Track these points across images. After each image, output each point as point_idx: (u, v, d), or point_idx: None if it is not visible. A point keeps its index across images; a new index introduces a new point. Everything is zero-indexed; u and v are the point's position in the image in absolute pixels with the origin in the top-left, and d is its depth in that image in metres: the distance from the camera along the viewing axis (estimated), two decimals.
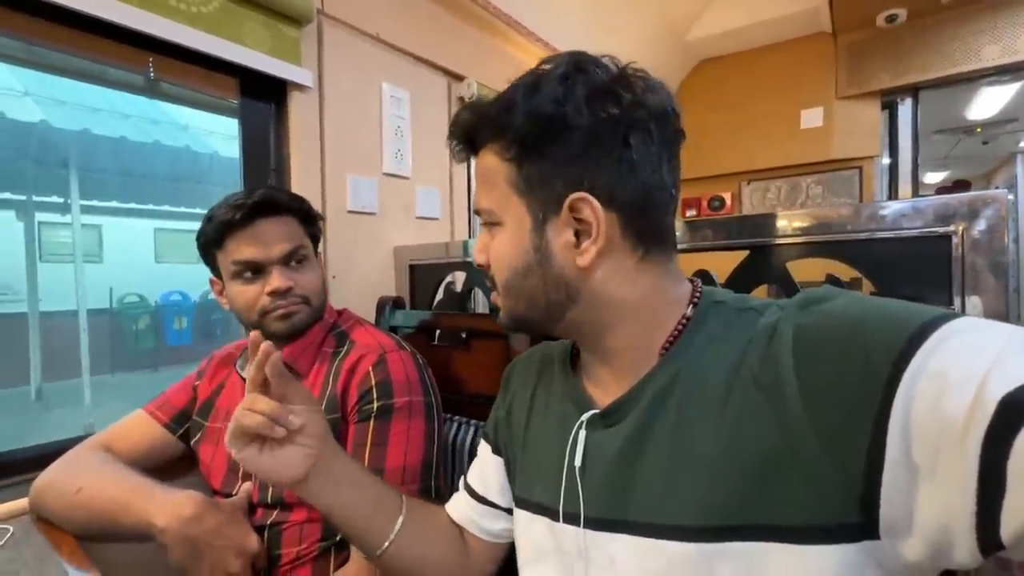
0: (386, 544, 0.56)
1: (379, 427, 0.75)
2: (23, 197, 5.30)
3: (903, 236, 0.68)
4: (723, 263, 0.84)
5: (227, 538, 0.66)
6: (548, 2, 1.85)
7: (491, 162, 0.47)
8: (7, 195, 5.36)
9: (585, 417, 0.48)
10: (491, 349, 0.98)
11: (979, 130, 3.91)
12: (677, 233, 0.86)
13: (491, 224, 0.48)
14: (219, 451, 0.83)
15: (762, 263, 0.80)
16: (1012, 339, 0.31)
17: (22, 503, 0.78)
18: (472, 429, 0.97)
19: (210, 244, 0.80)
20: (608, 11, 2.10)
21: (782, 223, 0.77)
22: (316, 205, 1.20)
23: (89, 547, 0.70)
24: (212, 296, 0.86)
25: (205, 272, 0.85)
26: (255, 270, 0.78)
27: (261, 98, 1.16)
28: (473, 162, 0.50)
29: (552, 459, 0.50)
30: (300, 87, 1.17)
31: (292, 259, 0.80)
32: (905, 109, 2.37)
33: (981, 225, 0.63)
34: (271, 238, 0.78)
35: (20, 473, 0.85)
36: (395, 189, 1.41)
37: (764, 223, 0.78)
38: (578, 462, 0.47)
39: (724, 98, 2.73)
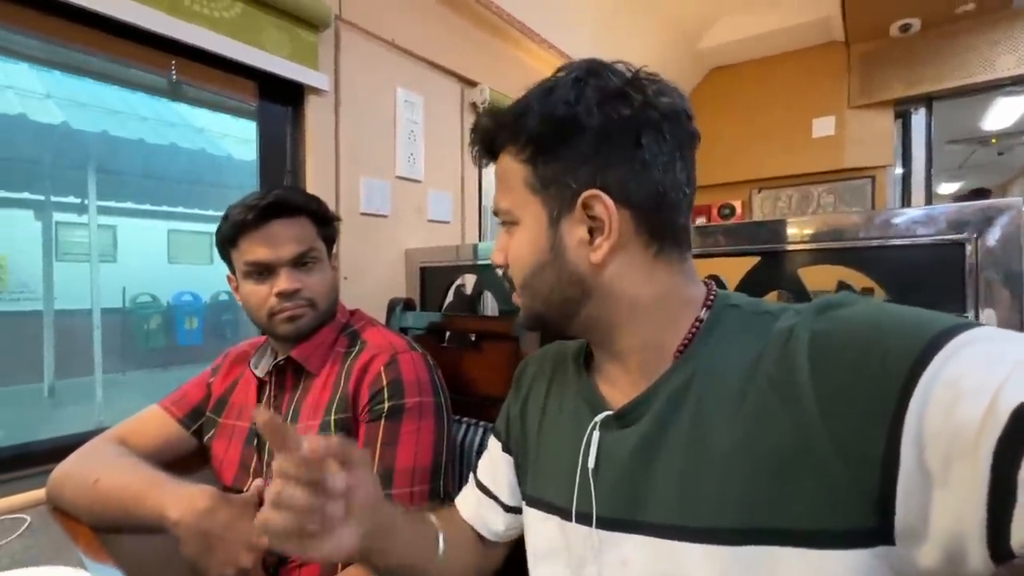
0: (436, 564, 0.56)
1: (390, 427, 0.76)
2: (42, 197, 5.40)
3: (916, 244, 0.68)
4: (734, 269, 0.84)
5: (239, 532, 0.67)
6: (561, 9, 1.87)
7: (508, 164, 0.48)
8: (27, 195, 5.47)
9: (599, 418, 0.48)
10: (501, 351, 0.99)
11: (994, 141, 3.87)
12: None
13: (509, 224, 0.49)
14: (231, 447, 0.84)
15: (773, 269, 0.80)
16: None
17: (39, 494, 0.79)
18: (480, 431, 0.97)
19: (225, 242, 0.81)
20: (620, 19, 2.11)
21: (794, 229, 0.77)
22: (330, 207, 1.22)
23: (105, 538, 0.71)
24: (223, 297, 0.87)
25: (216, 273, 0.87)
26: (265, 271, 0.80)
27: (279, 101, 1.18)
28: (486, 167, 0.51)
29: (565, 459, 0.50)
30: (317, 91, 1.19)
31: (301, 261, 0.81)
32: (919, 119, 2.36)
33: (995, 233, 0.63)
34: (282, 240, 0.79)
35: (37, 465, 0.87)
36: (407, 192, 1.43)
37: (776, 229, 0.78)
38: (591, 463, 0.47)
39: (735, 106, 2.73)
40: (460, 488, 0.69)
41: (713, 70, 2.83)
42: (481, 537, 0.63)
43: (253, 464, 0.81)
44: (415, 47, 1.42)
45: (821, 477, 0.36)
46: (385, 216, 1.36)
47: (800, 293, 0.78)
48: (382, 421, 0.76)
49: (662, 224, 0.45)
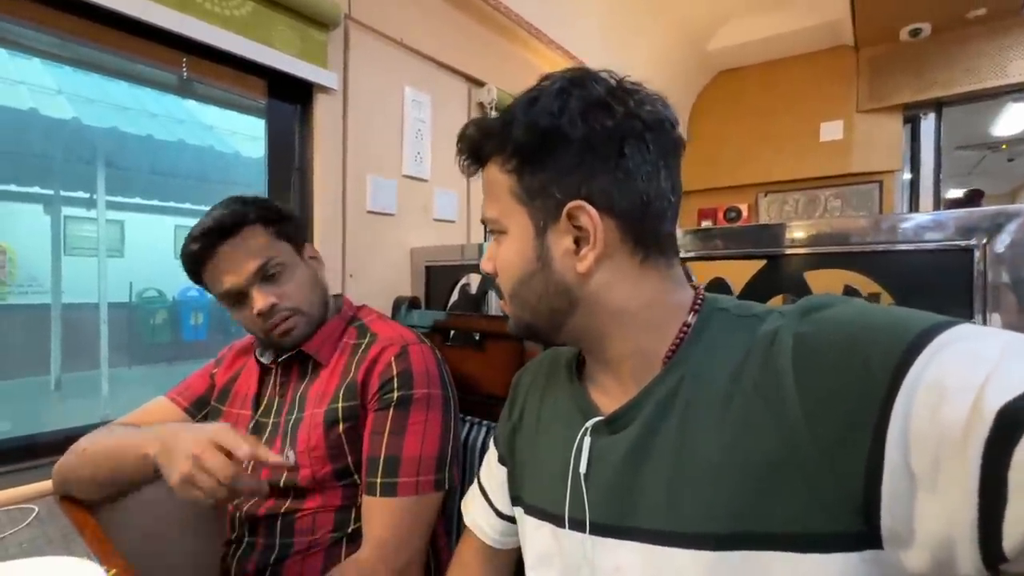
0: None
1: (398, 416, 0.77)
2: (51, 192, 5.45)
3: (923, 248, 0.68)
4: (740, 273, 0.84)
5: (214, 458, 0.60)
6: (569, 10, 1.87)
7: (494, 174, 0.48)
8: (36, 189, 5.52)
9: (590, 424, 0.49)
10: (505, 351, 0.99)
11: (1004, 147, 3.84)
12: (694, 241, 0.87)
13: (497, 233, 0.50)
14: None
15: (779, 273, 0.79)
16: (1010, 346, 0.31)
17: (46, 484, 0.80)
18: (484, 429, 0.97)
19: (195, 280, 0.80)
20: (628, 21, 2.11)
21: (800, 233, 0.77)
22: (337, 204, 1.23)
23: (110, 527, 0.72)
24: None
25: None
26: (238, 296, 0.79)
27: (288, 99, 1.19)
28: (473, 176, 0.51)
29: (557, 465, 0.50)
30: (325, 89, 1.20)
31: (266, 274, 0.78)
32: (928, 124, 2.35)
33: (1005, 239, 0.62)
34: (237, 261, 0.76)
35: (44, 456, 0.88)
36: (414, 191, 1.44)
37: (782, 232, 0.78)
38: (583, 468, 0.48)
39: (743, 109, 2.72)
40: (464, 485, 0.69)
41: (721, 72, 2.82)
42: (485, 545, 0.64)
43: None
44: (423, 46, 1.43)
45: (807, 481, 0.36)
46: (391, 214, 1.37)
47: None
48: (391, 410, 0.77)
49: (647, 233, 0.45)
